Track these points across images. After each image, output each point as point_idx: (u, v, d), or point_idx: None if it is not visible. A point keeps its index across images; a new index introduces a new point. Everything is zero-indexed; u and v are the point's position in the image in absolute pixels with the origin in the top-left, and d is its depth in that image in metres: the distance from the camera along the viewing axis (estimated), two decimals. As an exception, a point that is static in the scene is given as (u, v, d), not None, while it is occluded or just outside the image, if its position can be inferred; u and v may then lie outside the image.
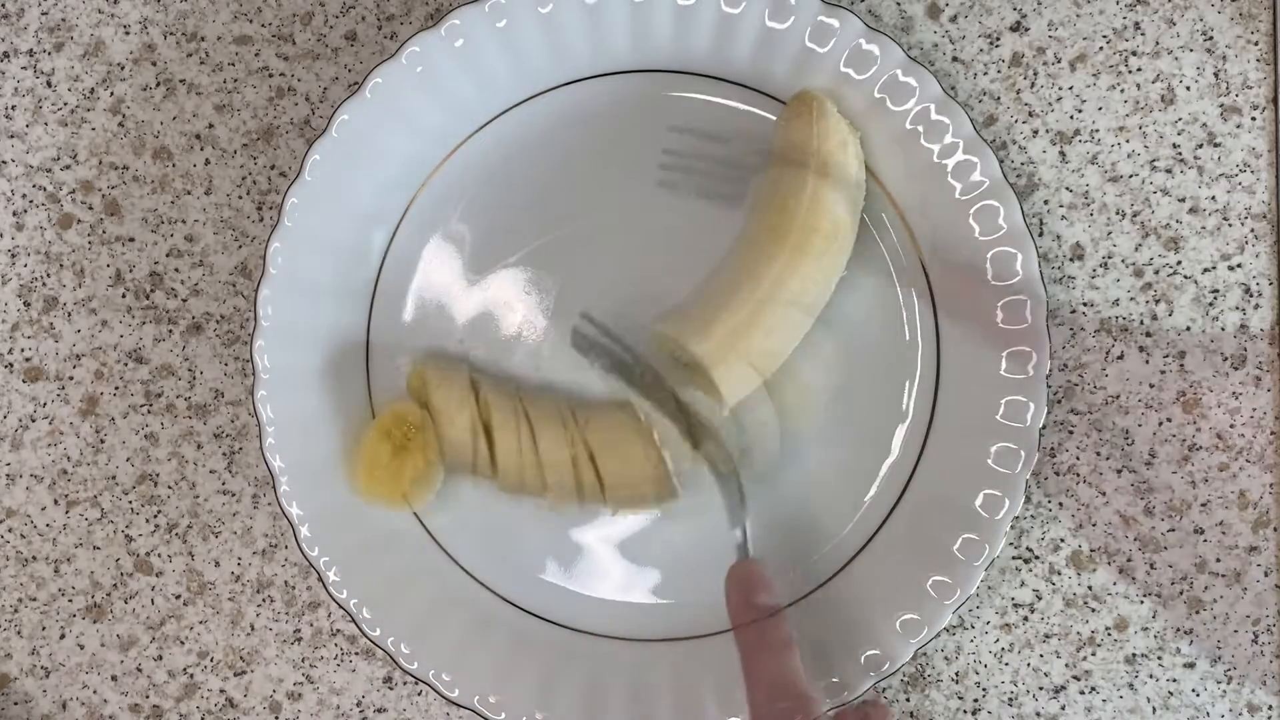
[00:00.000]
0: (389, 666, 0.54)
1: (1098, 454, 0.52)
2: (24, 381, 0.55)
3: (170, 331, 0.55)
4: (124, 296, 0.55)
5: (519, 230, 0.53)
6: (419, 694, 0.54)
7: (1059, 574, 0.53)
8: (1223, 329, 0.52)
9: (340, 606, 0.51)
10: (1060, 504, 0.53)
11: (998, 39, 0.53)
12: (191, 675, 0.55)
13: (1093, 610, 0.53)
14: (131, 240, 0.55)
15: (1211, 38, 0.53)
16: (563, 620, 0.52)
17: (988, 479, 0.49)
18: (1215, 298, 0.52)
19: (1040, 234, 0.53)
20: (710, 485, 0.51)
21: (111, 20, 0.55)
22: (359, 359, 0.52)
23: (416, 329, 0.53)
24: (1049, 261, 0.53)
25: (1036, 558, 0.53)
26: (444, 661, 0.51)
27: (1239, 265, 0.52)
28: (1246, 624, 0.52)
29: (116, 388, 0.55)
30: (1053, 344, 0.51)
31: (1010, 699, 0.53)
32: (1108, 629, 0.53)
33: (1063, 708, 0.53)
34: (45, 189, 0.55)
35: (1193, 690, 0.52)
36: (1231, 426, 0.52)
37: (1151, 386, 0.52)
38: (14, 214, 0.55)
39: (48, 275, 0.55)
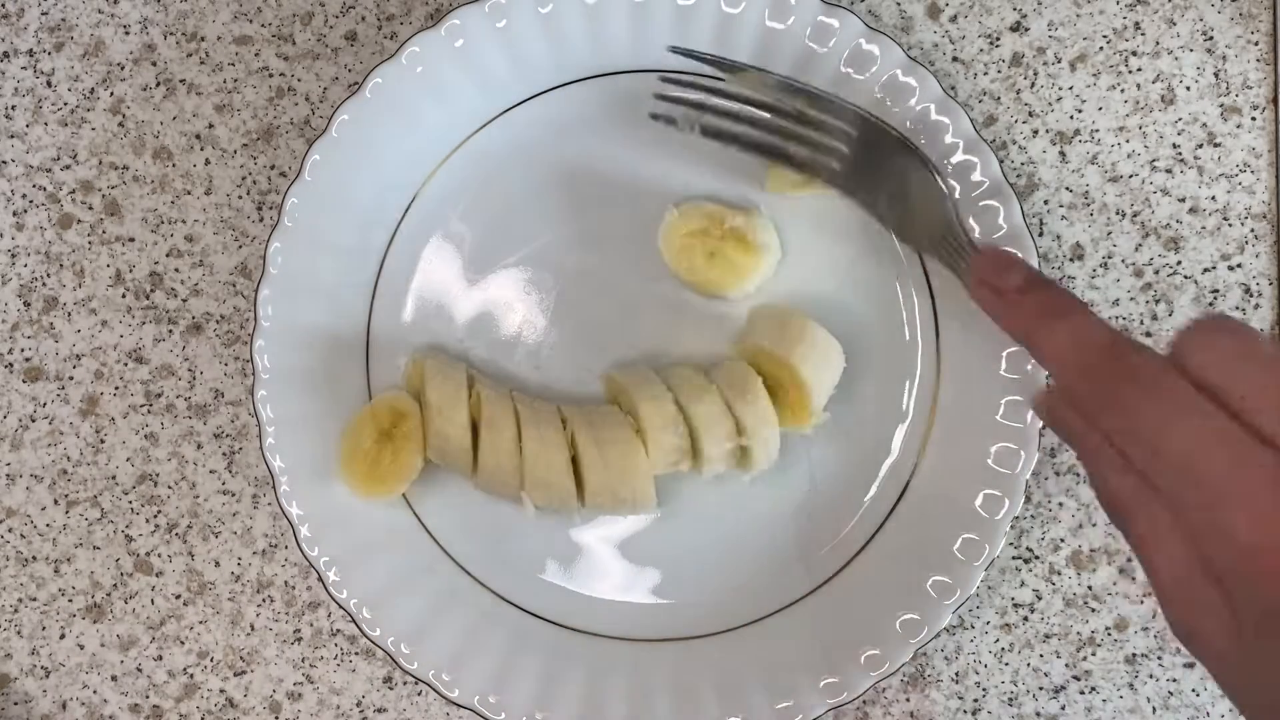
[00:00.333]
0: (389, 666, 0.54)
1: (1098, 454, 0.52)
2: (24, 381, 0.55)
3: (170, 331, 0.55)
4: (124, 296, 0.55)
5: (519, 230, 0.53)
6: (419, 694, 0.54)
7: (1059, 574, 0.53)
8: (1223, 329, 0.52)
9: (340, 606, 0.51)
10: (1060, 504, 0.53)
11: (998, 39, 0.53)
12: (191, 675, 0.55)
13: (1093, 610, 0.52)
14: (131, 240, 0.55)
15: (1211, 38, 0.53)
16: (563, 620, 0.52)
17: (988, 479, 0.49)
18: (1215, 298, 0.52)
19: (1040, 234, 0.53)
20: (707, 486, 0.51)
21: (111, 20, 0.55)
22: (359, 359, 0.52)
23: (416, 329, 0.53)
24: (1049, 261, 0.53)
25: (1036, 558, 0.53)
26: (444, 661, 0.51)
27: (1239, 265, 0.52)
28: (1246, 624, 0.52)
29: (116, 388, 0.55)
30: (1053, 344, 0.51)
31: (1010, 699, 0.53)
32: (1108, 629, 0.53)
33: (1063, 708, 0.53)
34: (45, 189, 0.55)
35: (1193, 690, 0.52)
36: (1231, 426, 0.52)
37: (1151, 386, 0.52)
38: (14, 214, 0.55)
39: (48, 275, 0.55)
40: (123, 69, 0.55)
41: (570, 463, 0.49)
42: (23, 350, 0.55)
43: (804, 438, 0.51)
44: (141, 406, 0.55)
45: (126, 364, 0.55)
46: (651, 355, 0.52)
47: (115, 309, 0.55)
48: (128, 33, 0.55)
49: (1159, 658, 0.52)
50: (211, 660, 0.55)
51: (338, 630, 0.54)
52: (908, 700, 0.53)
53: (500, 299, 0.53)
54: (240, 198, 0.55)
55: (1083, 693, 0.53)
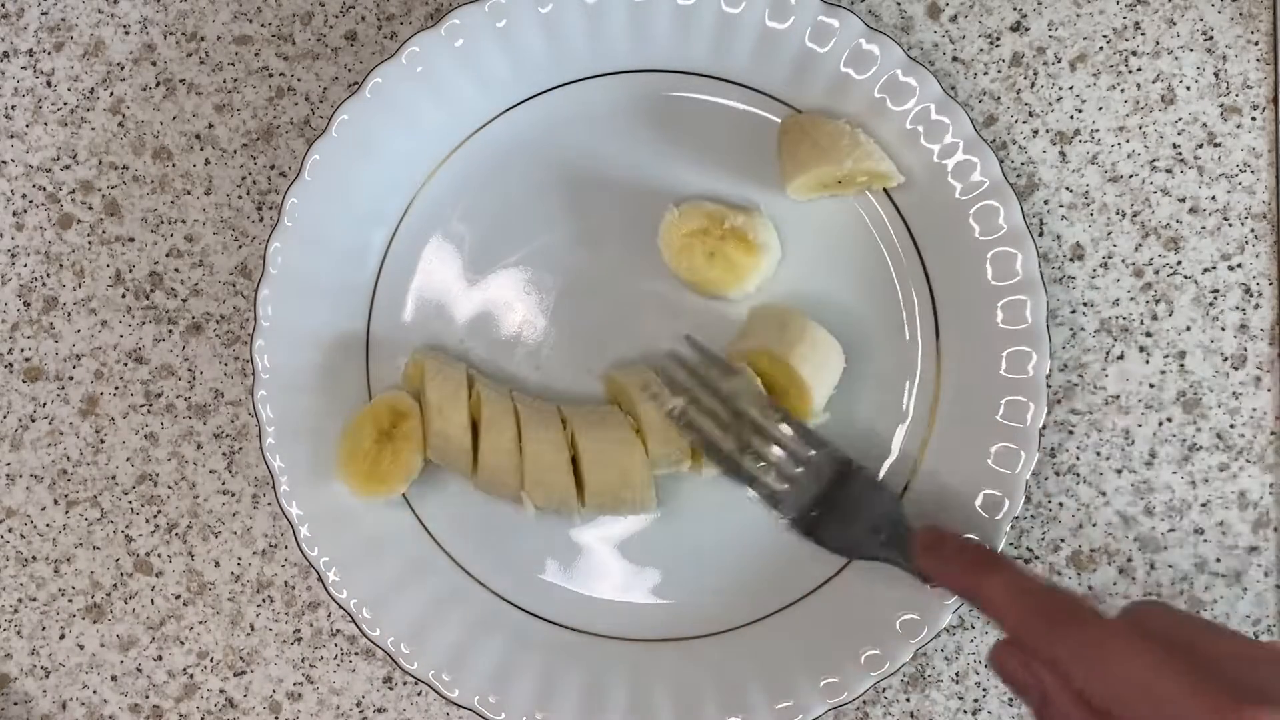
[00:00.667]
0: (389, 666, 0.54)
1: (1098, 454, 0.52)
2: (24, 381, 0.55)
3: (170, 331, 0.55)
4: (124, 296, 0.55)
5: (519, 230, 0.53)
6: (419, 694, 0.54)
7: (1059, 574, 0.53)
8: (1223, 329, 0.52)
9: (340, 606, 0.51)
10: (1060, 504, 0.53)
11: (998, 39, 0.53)
12: (191, 675, 0.55)
13: (1093, 610, 0.52)
14: (131, 240, 0.55)
15: (1211, 38, 0.53)
16: (563, 620, 0.52)
17: (988, 479, 0.49)
18: (1215, 298, 0.52)
19: (1040, 234, 0.53)
20: (707, 486, 0.51)
21: (111, 20, 0.55)
22: (359, 359, 0.52)
23: (416, 329, 0.53)
24: (1049, 261, 0.53)
25: (1036, 558, 0.53)
26: (444, 661, 0.51)
27: (1239, 265, 0.52)
28: (1246, 624, 0.52)
29: (116, 388, 0.55)
30: (1053, 344, 0.51)
31: (1010, 699, 0.53)
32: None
33: (1063, 708, 0.53)
34: (45, 189, 0.55)
35: (1193, 690, 0.52)
36: (1231, 426, 0.52)
37: (1151, 386, 0.52)
38: (14, 214, 0.55)
39: (48, 275, 0.55)
40: (123, 69, 0.55)
41: (570, 463, 0.49)
42: (23, 350, 0.55)
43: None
44: (141, 406, 0.55)
45: (126, 364, 0.55)
46: (651, 355, 0.52)
47: (115, 309, 0.55)
48: (128, 33, 0.55)
49: (1159, 658, 0.52)
50: (211, 660, 0.55)
51: (338, 630, 0.54)
52: (908, 700, 0.53)
53: (500, 299, 0.53)
54: (240, 198, 0.55)
55: (1083, 693, 0.53)
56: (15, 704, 0.55)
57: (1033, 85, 0.53)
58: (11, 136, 0.55)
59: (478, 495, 0.51)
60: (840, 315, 0.51)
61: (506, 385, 0.52)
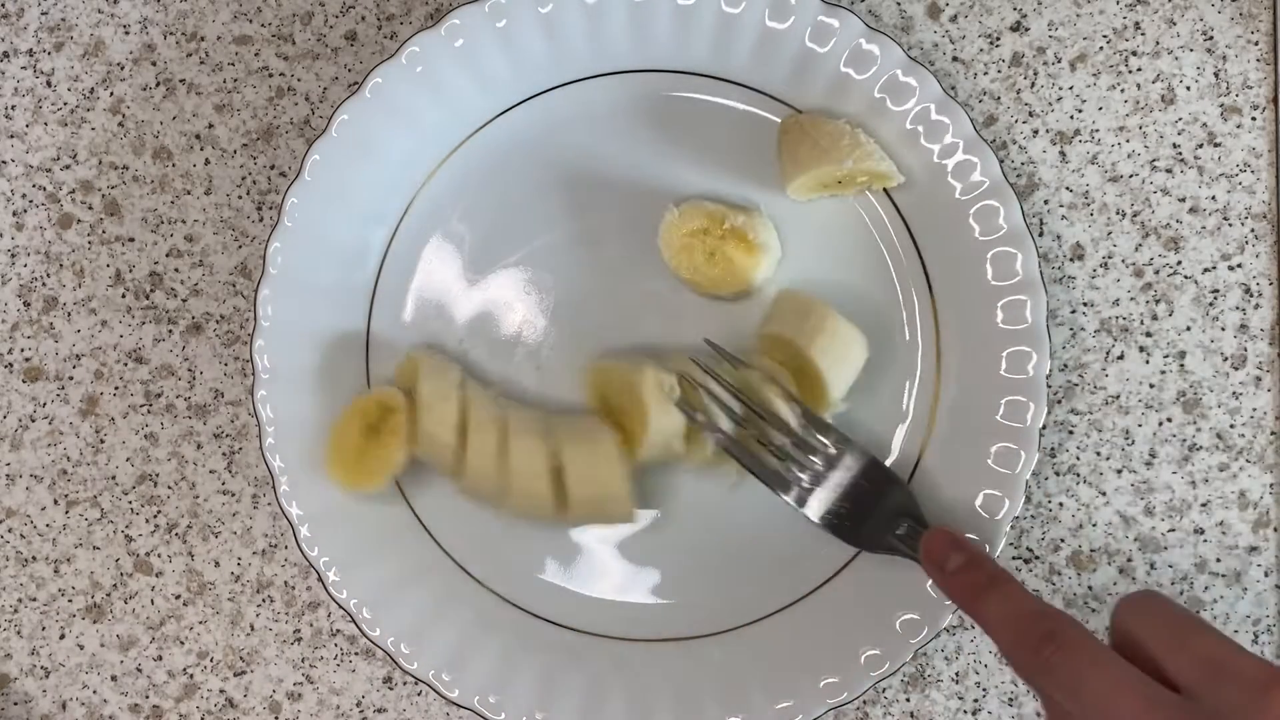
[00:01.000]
0: (389, 666, 0.54)
1: (1098, 454, 0.52)
2: (24, 381, 0.55)
3: (170, 331, 0.55)
4: (124, 296, 0.55)
5: (519, 230, 0.53)
6: (419, 694, 0.54)
7: (1059, 574, 0.53)
8: (1223, 329, 0.52)
9: (340, 606, 0.51)
10: (1060, 504, 0.53)
11: (998, 39, 0.53)
12: (191, 675, 0.55)
13: (1093, 610, 0.52)
14: (131, 240, 0.55)
15: (1211, 38, 0.53)
16: (563, 620, 0.52)
17: (988, 479, 0.49)
18: (1215, 298, 0.52)
19: (1040, 234, 0.53)
20: (707, 486, 0.51)
21: (111, 20, 0.55)
22: (359, 359, 0.52)
23: (416, 329, 0.53)
24: (1049, 261, 0.53)
25: (1036, 558, 0.53)
26: (444, 661, 0.51)
27: (1239, 265, 0.52)
28: (1246, 624, 0.52)
29: (116, 388, 0.55)
30: (1053, 344, 0.51)
31: (1010, 699, 0.53)
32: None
33: (1063, 708, 0.53)
34: (45, 189, 0.55)
35: (1193, 690, 0.52)
36: (1231, 426, 0.52)
37: (1151, 386, 0.52)
38: (14, 214, 0.55)
39: (48, 275, 0.55)
40: (123, 69, 0.55)
41: (552, 473, 0.49)
42: (23, 350, 0.55)
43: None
44: (141, 406, 0.55)
45: (126, 364, 0.55)
46: (651, 355, 0.52)
47: (115, 309, 0.55)
48: (128, 33, 0.55)
49: (1159, 658, 0.52)
50: (211, 660, 0.55)
51: (338, 630, 0.54)
52: (908, 700, 0.53)
53: (500, 299, 0.53)
54: (240, 198, 0.55)
55: (1083, 693, 0.53)
56: (15, 704, 0.55)
57: (1033, 85, 0.53)
58: (11, 136, 0.55)
59: (478, 495, 0.51)
60: (841, 315, 0.50)
61: (499, 388, 0.52)
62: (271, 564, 0.54)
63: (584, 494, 0.49)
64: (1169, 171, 0.53)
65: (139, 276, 0.55)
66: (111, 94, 0.55)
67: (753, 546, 0.52)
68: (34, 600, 0.55)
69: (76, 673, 0.55)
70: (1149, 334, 0.53)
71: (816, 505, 0.49)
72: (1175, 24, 0.53)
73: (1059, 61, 0.53)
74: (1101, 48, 0.53)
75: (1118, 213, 0.53)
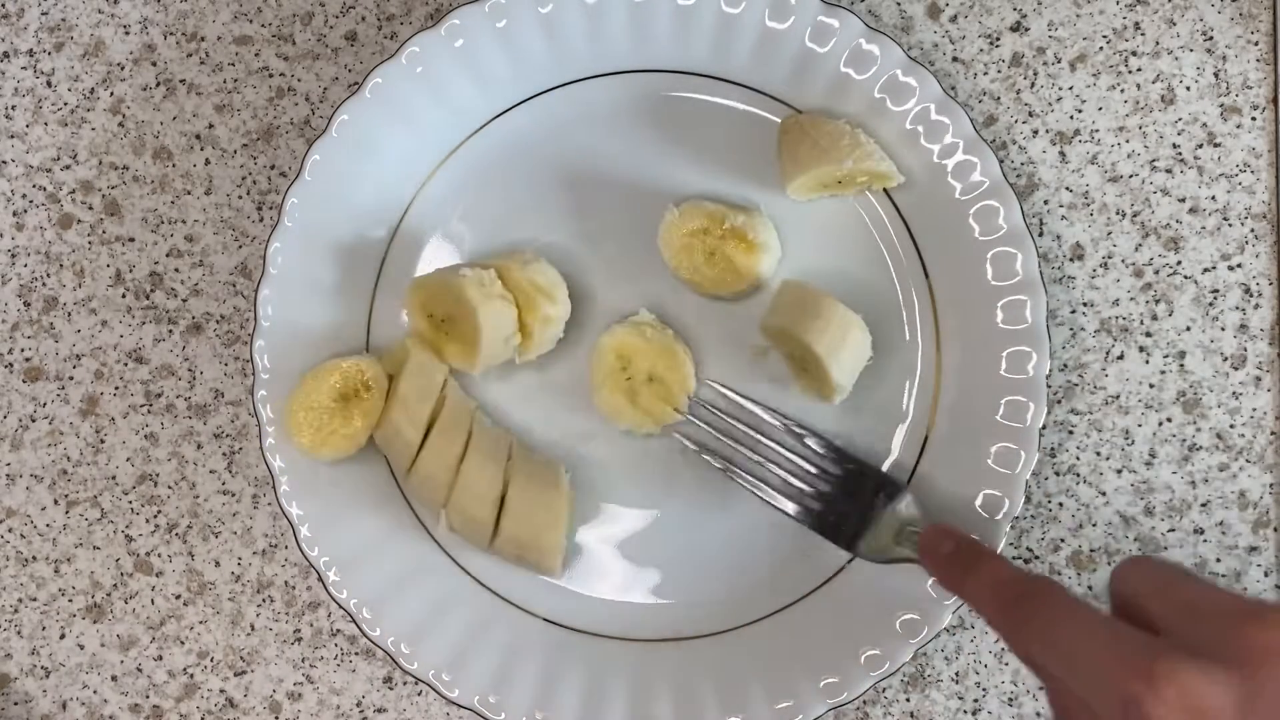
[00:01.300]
0: (389, 666, 0.54)
1: (1098, 454, 0.52)
2: (24, 381, 0.55)
3: (170, 331, 0.55)
4: (124, 296, 0.55)
5: (519, 230, 0.53)
6: (419, 694, 0.54)
7: (1059, 574, 0.53)
8: (1223, 329, 0.52)
9: (340, 606, 0.51)
10: (1060, 504, 0.53)
11: (998, 39, 0.53)
12: (191, 675, 0.55)
13: (1093, 610, 0.52)
14: (131, 240, 0.55)
15: (1211, 38, 0.53)
16: (563, 620, 0.52)
17: (988, 479, 0.49)
18: (1215, 298, 0.52)
19: (1040, 234, 0.53)
20: (707, 486, 0.51)
21: (111, 20, 0.55)
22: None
23: (416, 329, 0.53)
24: (1049, 261, 0.53)
25: (1036, 558, 0.53)
26: (444, 661, 0.51)
27: (1239, 265, 0.52)
28: (1246, 624, 0.52)
29: (116, 388, 0.55)
30: (1053, 344, 0.51)
31: (1010, 699, 0.53)
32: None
33: (1063, 708, 0.53)
34: (45, 189, 0.55)
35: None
36: (1231, 426, 0.52)
37: (1151, 386, 0.52)
38: (14, 214, 0.55)
39: (48, 275, 0.55)
40: (123, 69, 0.55)
41: (497, 501, 0.49)
42: (23, 350, 0.55)
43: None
44: (141, 406, 0.55)
45: (126, 364, 0.55)
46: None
47: (115, 309, 0.55)
48: (128, 33, 0.55)
49: (1159, 658, 0.52)
50: (211, 660, 0.55)
51: (338, 630, 0.54)
52: (908, 700, 0.53)
53: (500, 299, 0.53)
54: (240, 198, 0.55)
55: (1083, 693, 0.53)
56: (15, 704, 0.55)
57: (1033, 85, 0.53)
58: (11, 136, 0.55)
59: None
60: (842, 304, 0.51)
61: (470, 402, 0.52)
62: (271, 564, 0.54)
63: (517, 533, 0.49)
64: (1169, 171, 0.53)
65: (139, 276, 0.55)
66: (112, 94, 0.55)
67: (753, 547, 0.52)
68: (34, 600, 0.55)
69: (77, 673, 0.55)
70: (1149, 334, 0.53)
71: (828, 522, 0.49)
72: (1175, 24, 0.53)
73: (1059, 62, 0.53)
74: (1101, 48, 0.53)
75: (1118, 213, 0.53)
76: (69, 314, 0.55)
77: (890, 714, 0.53)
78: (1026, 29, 0.53)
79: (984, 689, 0.53)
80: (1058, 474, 0.53)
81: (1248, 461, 0.52)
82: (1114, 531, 0.52)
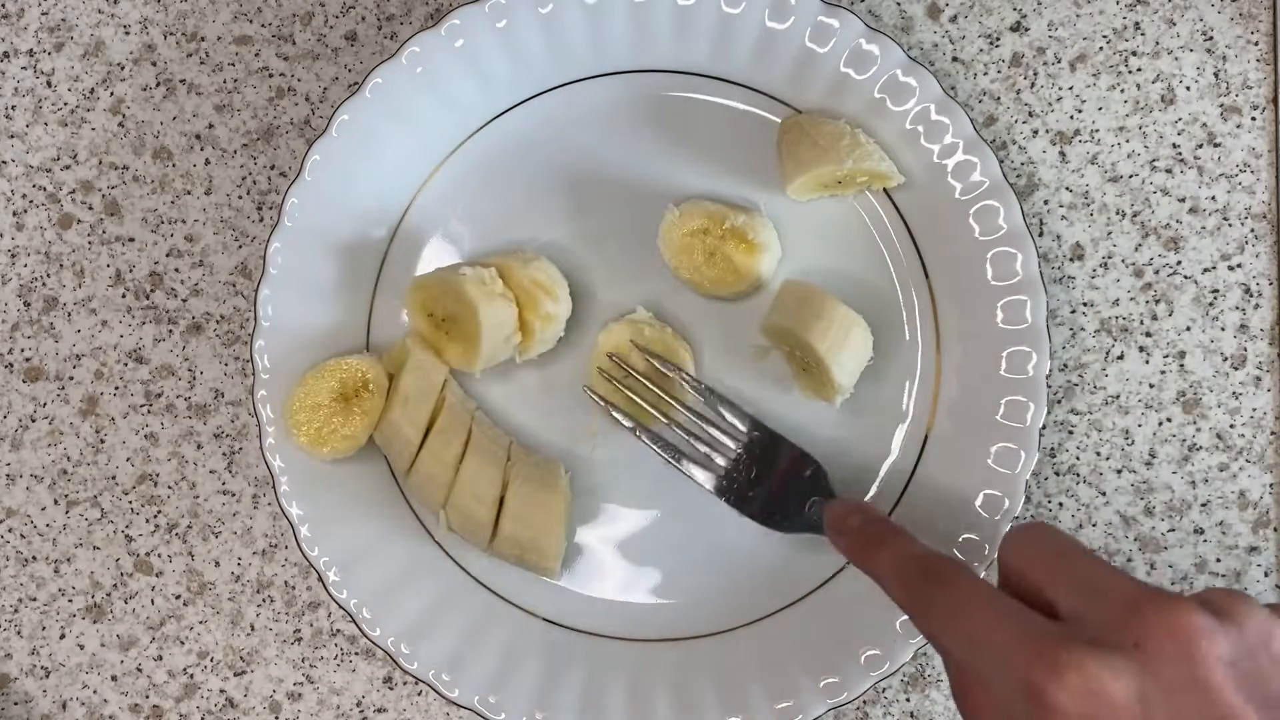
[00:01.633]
0: (389, 666, 0.54)
1: (1098, 454, 0.52)
2: (24, 381, 0.55)
3: (170, 331, 0.55)
4: (124, 296, 0.55)
5: (519, 230, 0.53)
6: (419, 694, 0.54)
7: (1059, 574, 0.53)
8: (1223, 329, 0.52)
9: (340, 606, 0.51)
10: (1060, 504, 0.53)
11: (998, 39, 0.53)
12: (191, 675, 0.55)
13: (1093, 610, 0.52)
14: (131, 240, 0.55)
15: (1211, 38, 0.53)
16: (563, 620, 0.52)
17: (988, 479, 0.49)
18: (1215, 298, 0.52)
19: (1040, 234, 0.53)
20: (702, 487, 0.51)
21: (111, 20, 0.55)
22: (359, 359, 0.52)
23: (416, 329, 0.53)
24: (1049, 261, 0.53)
25: (1036, 558, 0.53)
26: (444, 661, 0.51)
27: (1239, 265, 0.52)
28: (1246, 624, 0.52)
29: (116, 388, 0.55)
30: (1053, 344, 0.51)
31: (1010, 699, 0.53)
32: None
33: (1063, 708, 0.53)
34: (45, 189, 0.55)
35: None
36: (1231, 426, 0.52)
37: (1151, 386, 0.52)
38: (14, 214, 0.55)
39: (48, 275, 0.55)
40: (123, 69, 0.55)
41: (496, 501, 0.49)
42: (23, 350, 0.55)
43: (806, 437, 0.51)
44: (141, 406, 0.55)
45: (126, 364, 0.55)
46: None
47: (115, 309, 0.55)
48: (128, 33, 0.55)
49: (1159, 658, 0.52)
50: (211, 660, 0.55)
51: (338, 630, 0.54)
52: (908, 700, 0.53)
53: (500, 299, 0.53)
54: (240, 198, 0.55)
55: (1083, 693, 0.53)
56: (15, 704, 0.55)
57: (1033, 85, 0.53)
58: (11, 136, 0.55)
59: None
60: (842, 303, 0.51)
61: (470, 403, 0.52)
62: (271, 564, 0.54)
63: (516, 533, 0.49)
64: (1169, 171, 0.53)
65: (139, 276, 0.55)
66: (111, 94, 0.55)
67: (753, 546, 0.52)
68: (34, 600, 0.55)
69: (76, 673, 0.55)
70: (1149, 334, 0.53)
71: (729, 488, 0.50)
72: (1175, 24, 0.53)
73: (1059, 62, 0.53)
74: (1101, 48, 0.53)
75: (1118, 213, 0.53)
76: (69, 314, 0.55)
77: (890, 714, 0.53)
78: (1026, 29, 0.53)
79: (984, 689, 0.53)
80: (1058, 474, 0.53)
81: (1248, 461, 0.52)
82: (1114, 531, 0.52)
